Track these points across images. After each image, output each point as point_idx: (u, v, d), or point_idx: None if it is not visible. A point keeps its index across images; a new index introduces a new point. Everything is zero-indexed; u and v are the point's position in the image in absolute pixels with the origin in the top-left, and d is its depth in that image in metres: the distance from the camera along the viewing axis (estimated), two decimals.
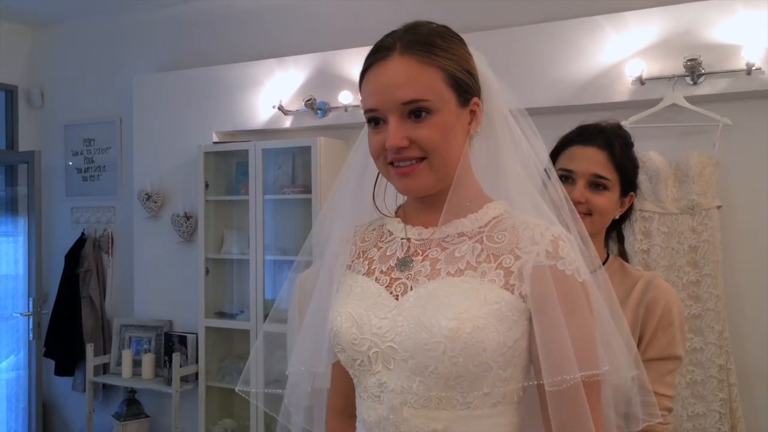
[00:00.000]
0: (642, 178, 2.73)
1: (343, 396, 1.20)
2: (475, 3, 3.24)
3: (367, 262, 1.15)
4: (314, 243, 1.25)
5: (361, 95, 1.11)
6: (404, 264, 1.09)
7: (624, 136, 1.62)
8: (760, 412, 2.69)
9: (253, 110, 3.72)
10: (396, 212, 1.19)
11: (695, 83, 2.71)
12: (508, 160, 1.10)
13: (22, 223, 4.36)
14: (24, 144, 4.55)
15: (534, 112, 3.08)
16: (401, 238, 1.13)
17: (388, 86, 1.03)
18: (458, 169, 1.07)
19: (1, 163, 4.55)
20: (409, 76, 1.03)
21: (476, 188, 1.12)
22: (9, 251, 4.44)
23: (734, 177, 2.75)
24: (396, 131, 1.03)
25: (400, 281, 1.08)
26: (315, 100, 3.48)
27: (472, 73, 1.09)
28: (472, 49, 1.11)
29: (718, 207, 2.67)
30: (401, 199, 1.19)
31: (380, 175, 1.14)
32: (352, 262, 1.16)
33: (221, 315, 3.74)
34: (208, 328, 3.68)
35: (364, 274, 1.13)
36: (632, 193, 1.60)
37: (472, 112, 1.09)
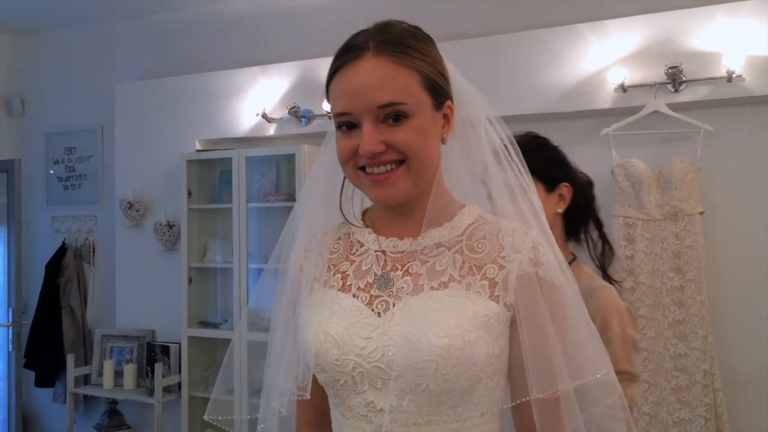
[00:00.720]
0: (625, 185, 2.76)
1: (313, 407, 1.13)
2: (457, 11, 3.25)
3: (340, 277, 1.08)
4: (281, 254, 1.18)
5: (329, 98, 1.04)
6: (384, 282, 1.04)
7: (531, 137, 1.64)
8: (745, 416, 2.71)
9: (237, 118, 3.70)
10: (363, 220, 1.13)
11: (677, 90, 2.73)
12: (488, 164, 1.07)
13: (1, 233, 4.30)
14: (4, 152, 4.49)
15: (517, 120, 3.10)
16: (375, 251, 1.07)
17: (362, 89, 0.97)
18: (437, 176, 1.03)
19: None
20: (385, 77, 0.97)
21: (449, 194, 1.08)
22: None
23: (716, 183, 2.78)
24: (371, 136, 0.97)
25: (381, 298, 1.02)
26: (299, 107, 3.47)
27: (444, 76, 1.05)
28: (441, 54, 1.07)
29: (701, 213, 2.69)
30: (366, 203, 1.13)
31: (346, 181, 1.08)
32: (320, 274, 1.09)
33: (204, 324, 3.70)
34: (191, 338, 3.64)
35: (339, 290, 1.06)
36: (562, 184, 1.62)
37: (445, 116, 1.05)
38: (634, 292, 2.71)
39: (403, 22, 1.04)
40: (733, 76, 2.62)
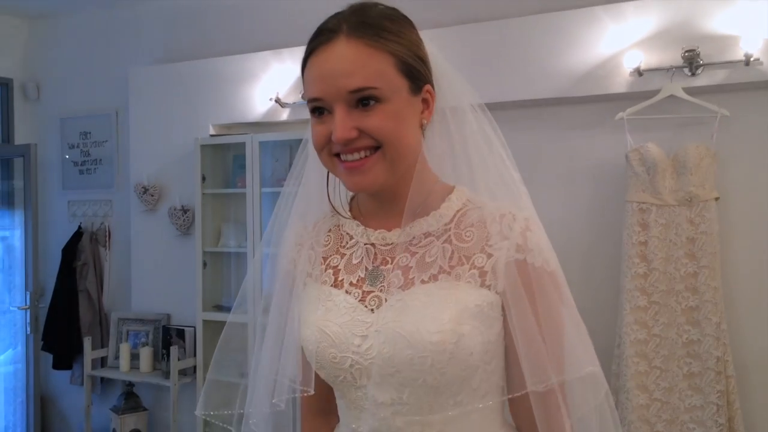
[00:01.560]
0: (639, 170, 2.73)
1: (317, 396, 1.11)
2: None
3: (332, 272, 1.07)
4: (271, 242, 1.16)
5: (303, 83, 1.01)
6: (374, 277, 1.03)
7: None
8: (758, 403, 2.70)
9: (250, 103, 3.70)
10: (350, 210, 1.11)
11: (693, 74, 2.70)
12: (471, 146, 1.03)
13: (18, 217, 4.35)
14: (20, 137, 4.52)
15: (532, 104, 3.08)
16: (365, 244, 1.06)
17: (333, 73, 0.94)
18: (417, 163, 1.00)
19: None
20: (356, 61, 0.93)
21: (434, 180, 1.05)
22: (4, 245, 4.43)
23: (732, 168, 2.75)
24: (343, 122, 0.94)
25: (374, 294, 1.02)
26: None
27: (423, 59, 1.00)
28: (425, 39, 1.03)
29: (716, 198, 2.66)
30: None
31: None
32: (313, 269, 1.09)
33: (219, 308, 3.73)
34: (205, 322, 3.67)
35: (332, 286, 1.05)
36: None
37: (425, 101, 1.01)
38: (648, 277, 2.70)
39: (380, 4, 1.01)
40: (751, 59, 2.57)
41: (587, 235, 3.01)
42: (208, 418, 1.18)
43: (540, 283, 0.96)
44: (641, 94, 2.80)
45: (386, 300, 1.00)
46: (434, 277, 0.98)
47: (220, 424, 1.17)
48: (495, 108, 1.13)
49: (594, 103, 2.97)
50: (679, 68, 2.72)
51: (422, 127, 1.01)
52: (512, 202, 1.01)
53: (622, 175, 2.82)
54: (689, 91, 2.71)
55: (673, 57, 2.73)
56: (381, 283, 1.02)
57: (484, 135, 1.04)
